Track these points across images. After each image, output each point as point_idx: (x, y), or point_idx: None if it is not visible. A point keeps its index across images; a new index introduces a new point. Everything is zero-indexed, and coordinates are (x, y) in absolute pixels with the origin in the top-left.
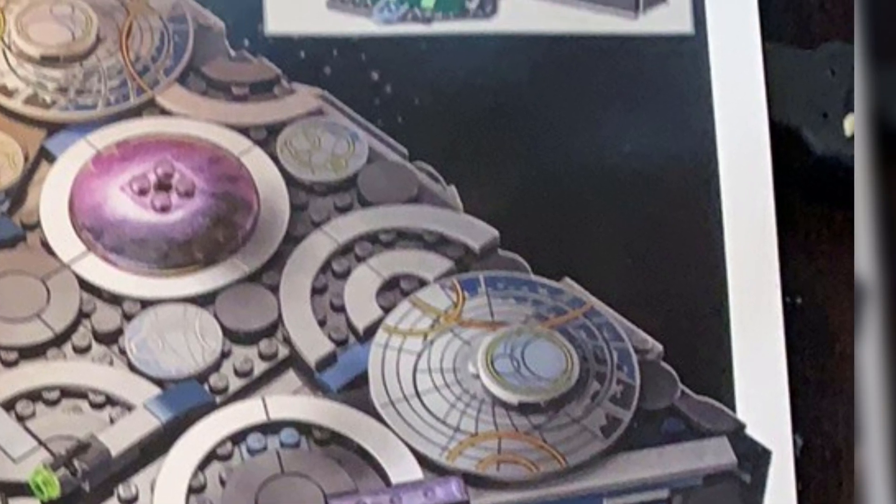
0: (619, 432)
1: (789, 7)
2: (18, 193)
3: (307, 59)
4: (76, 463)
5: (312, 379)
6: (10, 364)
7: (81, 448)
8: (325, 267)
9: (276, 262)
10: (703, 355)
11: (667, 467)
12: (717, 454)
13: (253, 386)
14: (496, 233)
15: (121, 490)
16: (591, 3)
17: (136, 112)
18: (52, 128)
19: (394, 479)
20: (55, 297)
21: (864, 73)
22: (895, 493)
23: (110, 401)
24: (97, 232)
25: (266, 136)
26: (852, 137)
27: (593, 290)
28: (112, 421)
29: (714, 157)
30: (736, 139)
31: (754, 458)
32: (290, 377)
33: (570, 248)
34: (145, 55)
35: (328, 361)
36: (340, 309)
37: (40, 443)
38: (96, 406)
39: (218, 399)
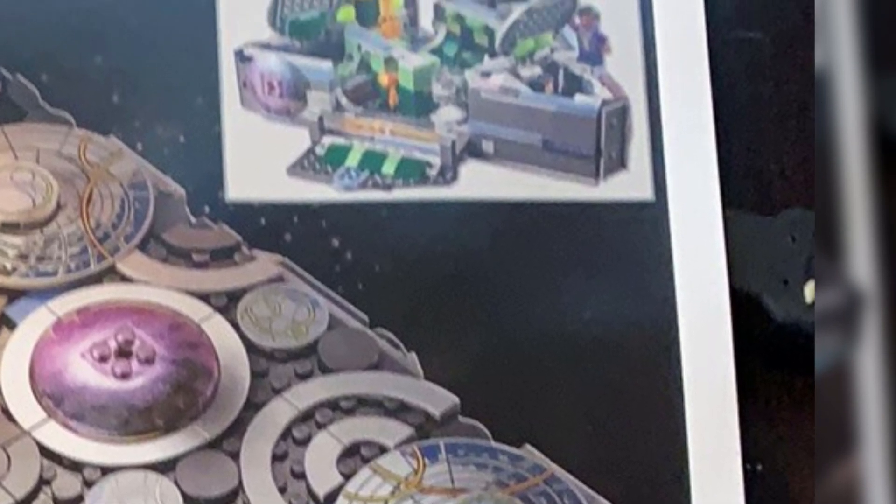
0: None
1: (749, 174)
2: None
3: (268, 226)
4: None
5: None
6: None
7: None
8: (286, 433)
9: (237, 428)
10: None
11: None
12: None
13: None
14: (457, 399)
15: None
16: (552, 170)
17: (96, 279)
18: (13, 294)
19: None
20: (15, 463)
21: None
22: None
23: None
24: (58, 399)
25: (226, 303)
26: (812, 304)
27: (554, 457)
28: None
29: (674, 323)
30: (696, 306)
31: None
32: None
33: (531, 414)
34: (106, 222)
35: None
36: (301, 476)
37: None
38: None
39: None
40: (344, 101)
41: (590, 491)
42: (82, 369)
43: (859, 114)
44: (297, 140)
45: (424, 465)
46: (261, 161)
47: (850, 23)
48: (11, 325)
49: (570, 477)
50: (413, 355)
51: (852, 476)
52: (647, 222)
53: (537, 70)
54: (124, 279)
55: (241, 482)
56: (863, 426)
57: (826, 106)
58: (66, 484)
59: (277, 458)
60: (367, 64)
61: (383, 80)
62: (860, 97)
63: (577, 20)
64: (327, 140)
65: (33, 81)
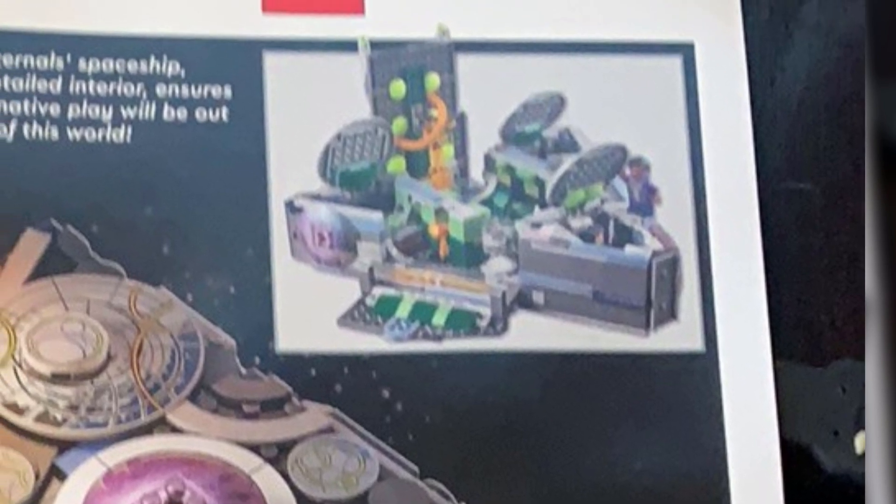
0: None
1: (799, 325)
2: None
3: (318, 377)
4: None
5: None
6: None
7: None
8: None
9: None
10: None
11: None
12: None
13: None
14: None
15: None
16: (602, 321)
17: (146, 430)
18: (63, 445)
19: None
20: None
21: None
22: None
23: None
24: None
25: (277, 454)
26: (863, 455)
27: None
28: None
29: (725, 474)
30: (747, 457)
31: None
32: None
33: None
34: (156, 373)
35: None
36: None
37: None
38: None
39: None
40: (394, 252)
41: None
42: None
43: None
44: (347, 291)
45: None
46: (311, 312)
47: None
48: (62, 476)
49: None
50: None
51: None
52: (698, 373)
53: (588, 221)
54: (175, 430)
55: None
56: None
57: None
58: None
59: None
60: (417, 215)
61: (434, 230)
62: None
63: (627, 171)
64: (378, 291)
65: (84, 232)
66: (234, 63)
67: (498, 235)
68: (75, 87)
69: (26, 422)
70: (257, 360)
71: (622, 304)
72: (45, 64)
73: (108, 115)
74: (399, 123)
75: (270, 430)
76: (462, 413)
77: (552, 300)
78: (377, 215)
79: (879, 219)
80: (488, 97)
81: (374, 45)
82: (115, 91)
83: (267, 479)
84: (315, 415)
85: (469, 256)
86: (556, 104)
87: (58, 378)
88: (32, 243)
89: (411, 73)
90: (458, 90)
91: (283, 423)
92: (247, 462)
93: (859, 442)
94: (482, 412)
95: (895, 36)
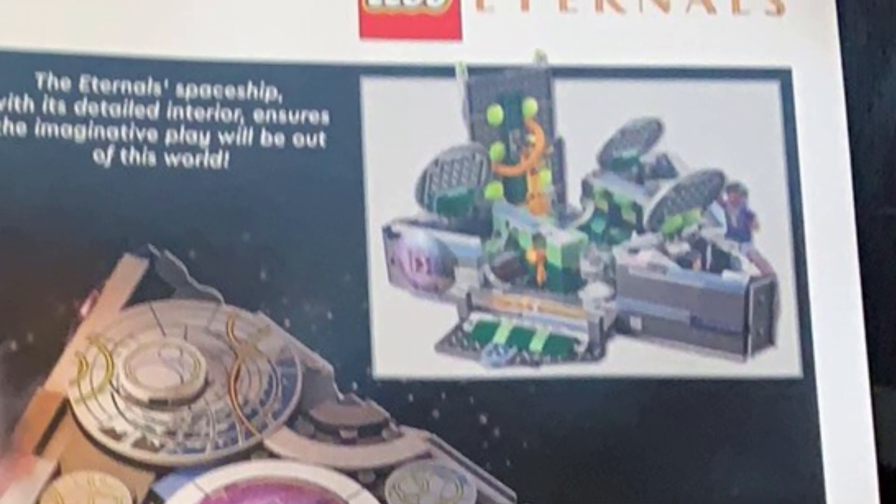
0: None
1: None
2: None
3: (415, 403)
4: None
5: None
6: None
7: None
8: None
9: None
10: None
11: None
12: None
13: None
14: None
15: None
16: (700, 347)
17: (244, 455)
18: (161, 471)
19: None
20: None
21: None
22: None
23: None
24: None
25: (374, 480)
26: None
27: None
28: None
29: (822, 500)
30: (844, 482)
31: None
32: None
33: None
34: (254, 398)
35: None
36: None
37: None
38: None
39: None
40: (492, 277)
41: None
42: None
43: None
44: (444, 316)
45: None
46: (409, 337)
47: None
48: (159, 502)
49: None
50: None
51: None
52: (795, 399)
53: (685, 247)
54: (272, 456)
55: None
56: None
57: None
58: None
59: None
60: (515, 240)
61: (531, 256)
62: None
63: (724, 197)
64: (475, 317)
65: (181, 258)
66: (332, 89)
67: (595, 261)
68: (173, 112)
69: (124, 447)
70: (355, 385)
71: (719, 329)
72: (142, 90)
73: (205, 141)
74: (497, 149)
75: (368, 455)
76: (559, 439)
77: (649, 326)
78: (475, 241)
79: None
80: (586, 123)
81: (472, 70)
82: (212, 117)
83: None
84: (413, 440)
85: (566, 282)
86: (653, 130)
87: (155, 404)
88: (130, 269)
89: (509, 98)
90: (556, 116)
91: (380, 448)
92: (344, 488)
93: None
94: (579, 438)
95: None
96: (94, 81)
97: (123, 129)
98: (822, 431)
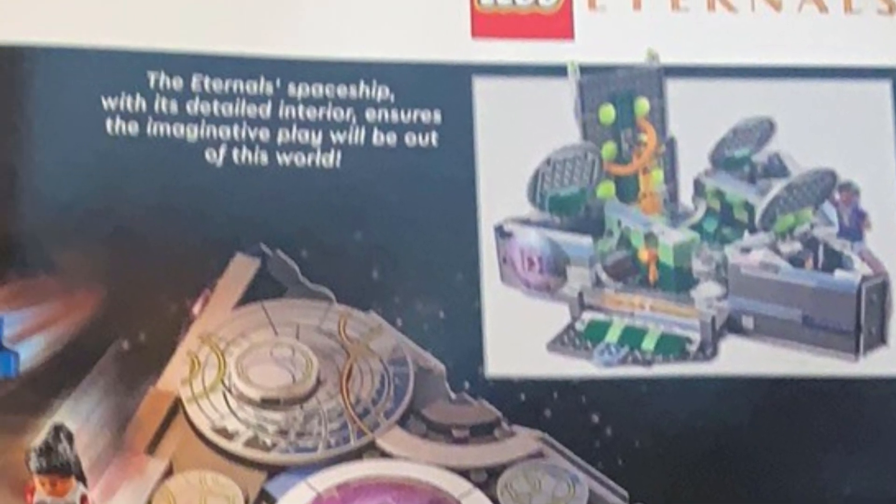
0: None
1: None
2: None
3: (527, 402)
4: None
5: None
6: None
7: None
8: None
9: None
10: None
11: None
12: None
13: None
14: None
15: None
16: (812, 346)
17: (356, 455)
18: (273, 470)
19: None
20: None
21: None
22: None
23: None
24: None
25: (486, 479)
26: None
27: None
28: None
29: None
30: None
31: None
32: None
33: None
34: (366, 398)
35: None
36: None
37: None
38: None
39: None
40: (604, 276)
41: None
42: None
43: None
44: (556, 316)
45: None
46: (520, 337)
47: None
48: (271, 501)
49: None
50: None
51: None
52: None
53: (797, 246)
54: (384, 455)
55: None
56: None
57: None
58: None
59: None
60: (627, 240)
61: (643, 255)
62: None
63: (836, 196)
64: (587, 316)
65: (293, 257)
66: (444, 88)
67: (707, 260)
68: (285, 111)
69: (236, 447)
70: (467, 384)
71: (831, 328)
72: (254, 89)
73: (317, 140)
74: (609, 148)
75: (480, 454)
76: (671, 438)
77: (761, 325)
78: (587, 240)
79: None
80: (698, 122)
81: (584, 69)
82: (324, 116)
83: (477, 503)
84: (524, 440)
85: (678, 281)
86: (765, 129)
87: (267, 403)
88: (242, 268)
89: (621, 97)
90: (668, 115)
91: (492, 447)
92: (456, 487)
93: None
94: (691, 437)
95: None
96: (207, 81)
97: (235, 128)
98: None
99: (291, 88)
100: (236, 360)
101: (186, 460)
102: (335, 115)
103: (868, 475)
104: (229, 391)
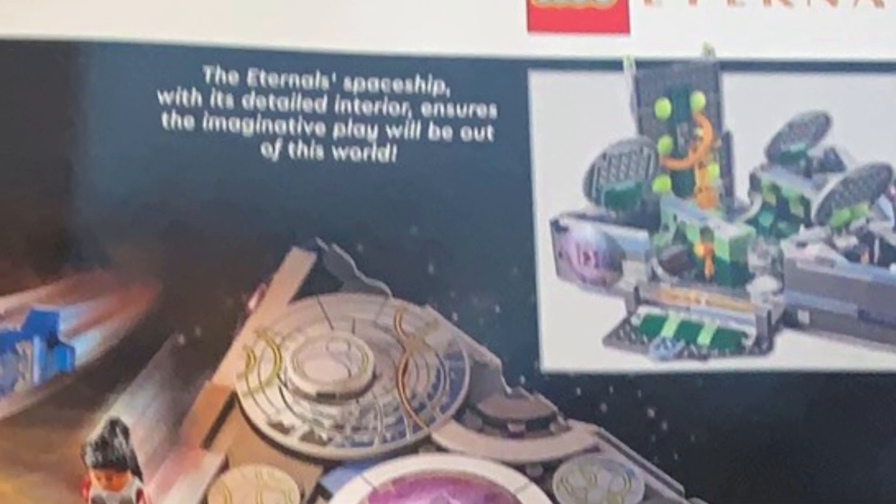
0: None
1: None
2: None
3: (583, 396)
4: None
5: None
6: None
7: None
8: None
9: None
10: None
11: None
12: None
13: None
14: None
15: None
16: (868, 341)
17: (412, 449)
18: (329, 465)
19: None
20: None
21: None
22: None
23: None
24: None
25: (542, 473)
26: None
27: None
28: None
29: None
30: None
31: None
32: None
33: None
34: (421, 392)
35: None
36: None
37: None
38: None
39: None
40: (660, 271)
41: None
42: None
43: None
44: (612, 310)
45: None
46: (576, 331)
47: None
48: (327, 496)
49: None
50: None
51: None
52: None
53: (853, 240)
54: (440, 449)
55: None
56: None
57: None
58: None
59: None
60: (682, 234)
61: (699, 250)
62: None
63: (892, 190)
64: (643, 310)
65: (349, 252)
66: (500, 82)
67: (763, 255)
68: (341, 106)
69: (292, 441)
70: (523, 379)
71: (888, 323)
72: (310, 83)
73: (373, 135)
74: (664, 143)
75: (536, 449)
76: (727, 432)
77: (817, 319)
78: (643, 234)
79: None
80: (754, 116)
81: (640, 64)
82: (380, 110)
83: (532, 498)
84: (580, 434)
85: (734, 276)
86: (821, 123)
87: (323, 397)
88: (298, 262)
89: (677, 92)
90: (724, 109)
91: (548, 442)
92: (512, 481)
93: None
94: (747, 432)
95: None
96: (262, 75)
97: (291, 122)
98: None
99: (347, 83)
100: (292, 355)
101: (242, 455)
102: (391, 109)
103: None
104: (285, 386)
